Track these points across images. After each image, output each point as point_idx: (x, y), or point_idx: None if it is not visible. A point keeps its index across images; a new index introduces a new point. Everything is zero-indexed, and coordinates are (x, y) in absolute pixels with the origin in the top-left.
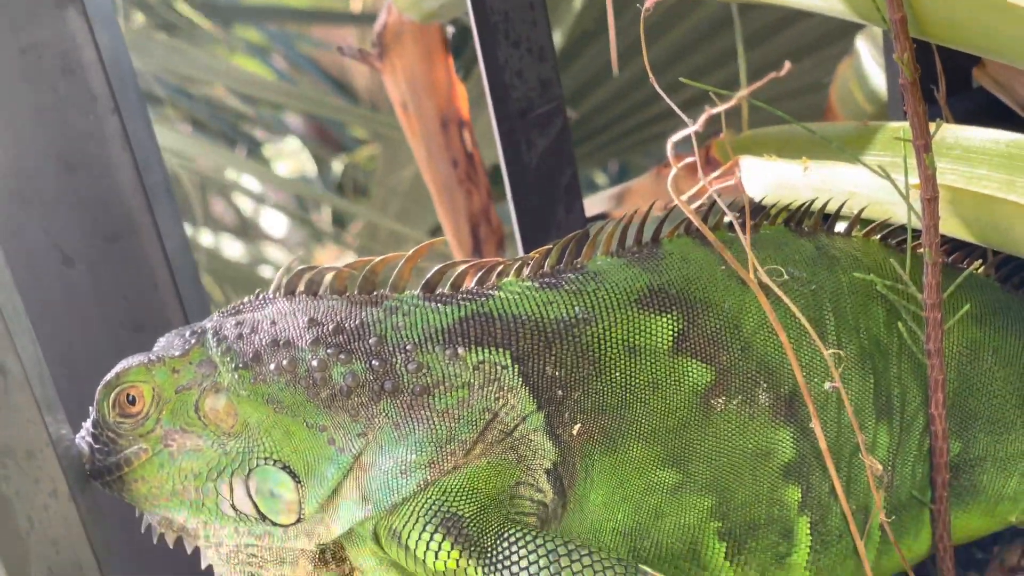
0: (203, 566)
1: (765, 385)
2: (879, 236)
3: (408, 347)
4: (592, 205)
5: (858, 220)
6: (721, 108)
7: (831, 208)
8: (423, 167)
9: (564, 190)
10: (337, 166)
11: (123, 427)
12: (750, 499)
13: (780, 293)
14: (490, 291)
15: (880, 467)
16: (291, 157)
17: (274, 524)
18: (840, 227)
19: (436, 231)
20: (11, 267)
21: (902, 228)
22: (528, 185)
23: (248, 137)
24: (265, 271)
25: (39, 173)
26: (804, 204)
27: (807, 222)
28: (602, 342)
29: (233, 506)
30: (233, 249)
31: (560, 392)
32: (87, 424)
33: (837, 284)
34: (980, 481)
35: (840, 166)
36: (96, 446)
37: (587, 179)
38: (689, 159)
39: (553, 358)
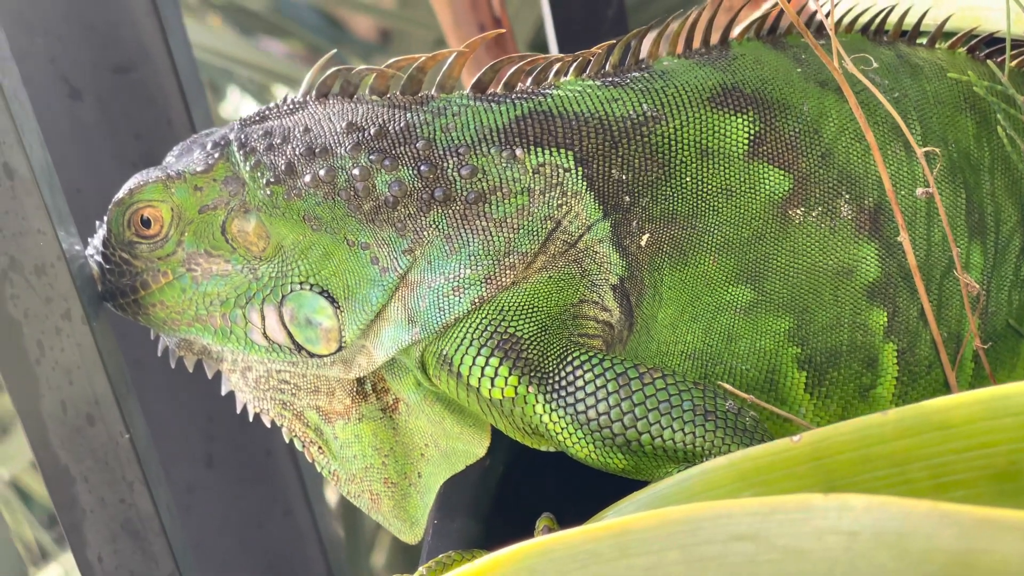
0: (223, 392)
1: (847, 196)
2: (965, 48)
3: (460, 150)
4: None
5: (941, 32)
6: None
7: (911, 19)
8: (448, 32)
9: (610, 23)
10: None
11: (139, 248)
12: (831, 322)
13: (868, 83)
14: (548, 89)
15: (976, 285)
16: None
17: (311, 355)
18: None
19: None
20: None
21: (990, 40)
22: (571, 18)
23: None
24: None
25: None
26: (882, 10)
27: (886, 36)
28: (672, 143)
29: (265, 335)
30: None
31: (627, 198)
32: (94, 241)
33: (922, 93)
34: None
35: None
36: (107, 266)
37: None
38: None
39: (620, 160)
